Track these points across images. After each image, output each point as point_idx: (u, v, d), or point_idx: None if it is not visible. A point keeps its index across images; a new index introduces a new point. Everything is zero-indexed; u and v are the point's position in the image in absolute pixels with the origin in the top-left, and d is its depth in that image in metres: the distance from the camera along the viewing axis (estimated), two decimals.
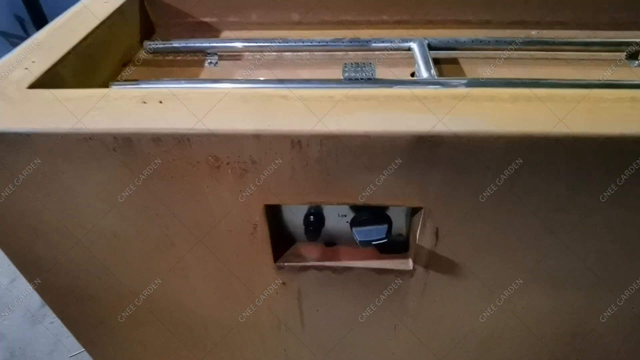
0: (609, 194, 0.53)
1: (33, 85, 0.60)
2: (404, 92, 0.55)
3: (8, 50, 0.72)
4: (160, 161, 0.53)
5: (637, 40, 0.81)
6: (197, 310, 0.75)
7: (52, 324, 1.39)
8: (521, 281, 0.64)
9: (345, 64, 0.73)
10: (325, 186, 0.54)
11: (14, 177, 0.56)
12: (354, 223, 0.61)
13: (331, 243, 0.69)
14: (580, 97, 0.53)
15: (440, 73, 0.79)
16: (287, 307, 0.73)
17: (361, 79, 0.70)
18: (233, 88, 0.69)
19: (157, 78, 0.79)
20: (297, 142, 0.50)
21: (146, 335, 0.81)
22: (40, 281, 0.70)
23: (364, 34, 0.90)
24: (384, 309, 0.71)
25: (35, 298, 1.47)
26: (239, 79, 0.76)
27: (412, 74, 0.79)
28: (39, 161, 0.54)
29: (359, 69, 0.72)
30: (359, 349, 0.80)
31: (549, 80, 0.69)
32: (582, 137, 0.48)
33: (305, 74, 0.81)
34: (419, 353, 0.78)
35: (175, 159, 0.53)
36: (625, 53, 0.82)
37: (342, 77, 0.70)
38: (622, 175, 0.51)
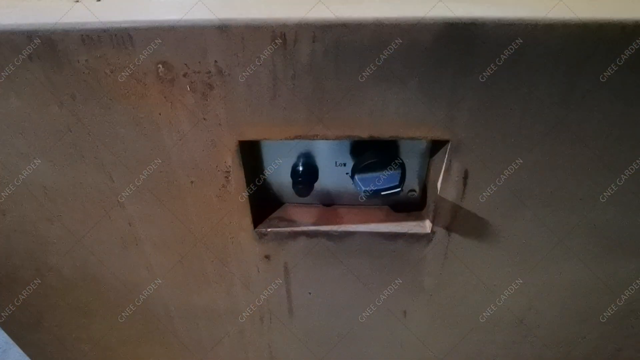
0: None
1: None
2: None
3: None
4: (93, 73, 0.39)
5: None
6: (155, 293, 0.59)
7: None
8: (565, 244, 0.50)
9: None
10: (319, 108, 0.40)
11: None
12: (356, 170, 0.47)
13: (327, 204, 0.55)
14: None
15: None
16: (270, 289, 0.58)
17: None
18: None
19: None
20: (280, 37, 0.36)
21: (90, 328, 0.65)
22: None
23: None
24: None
25: None
26: None
27: None
28: None
29: None
30: (360, 342, 0.65)
31: None
32: None
33: None
34: (434, 343, 0.64)
35: (114, 70, 0.38)
36: None
37: None
38: None
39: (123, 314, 0.62)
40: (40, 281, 0.58)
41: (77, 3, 0.40)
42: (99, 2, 0.40)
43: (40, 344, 0.68)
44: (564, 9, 0.35)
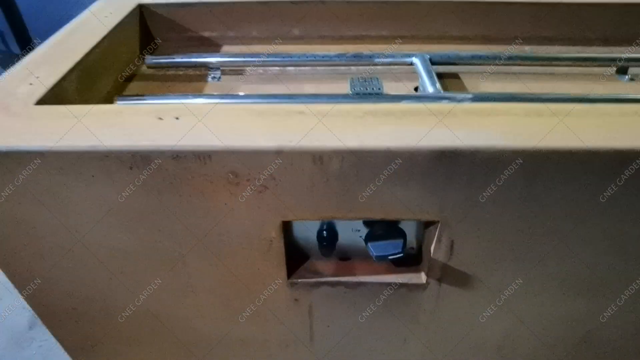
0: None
1: (41, 102, 0.59)
2: (419, 108, 0.56)
3: None
4: (178, 178, 0.53)
5: (625, 56, 0.85)
6: (202, 327, 0.73)
7: (41, 347, 1.34)
8: (533, 288, 0.65)
9: (352, 78, 0.74)
10: (344, 201, 0.55)
11: (20, 192, 0.54)
12: (369, 238, 0.62)
13: (344, 258, 0.69)
14: (585, 111, 0.55)
15: (444, 87, 0.81)
16: (297, 323, 0.72)
17: (369, 93, 0.71)
18: (244, 103, 0.69)
19: (161, 93, 0.78)
20: (318, 158, 0.50)
21: (147, 355, 0.79)
22: (37, 299, 0.68)
23: (364, 48, 0.92)
24: (396, 322, 0.71)
25: (21, 321, 1.41)
26: (249, 95, 0.76)
27: (416, 89, 0.80)
28: (51, 178, 0.53)
29: (366, 83, 0.73)
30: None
31: (551, 95, 0.71)
32: (598, 150, 0.49)
33: (310, 88, 0.81)
34: (430, 353, 0.79)
35: (195, 176, 0.52)
36: (615, 68, 0.85)
37: (349, 92, 0.71)
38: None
39: (173, 346, 0.76)
40: (105, 315, 0.72)
41: (161, 120, 0.54)
42: (177, 120, 0.54)
43: None
44: (554, 137, 0.50)
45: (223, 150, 0.50)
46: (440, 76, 0.84)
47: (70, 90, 0.67)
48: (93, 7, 0.88)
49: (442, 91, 0.72)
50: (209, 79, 0.84)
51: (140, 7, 0.90)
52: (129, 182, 0.53)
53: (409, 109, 0.56)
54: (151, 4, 0.91)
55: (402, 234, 0.61)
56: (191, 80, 0.84)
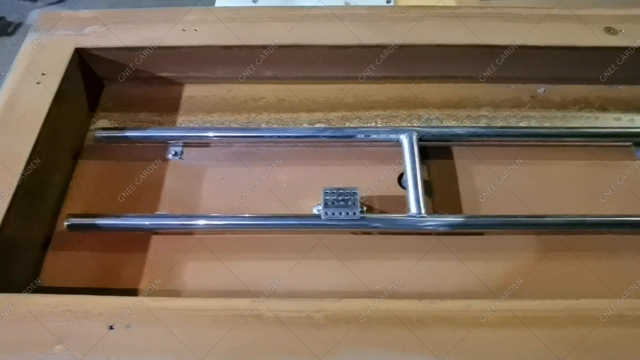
0: None
1: None
2: (386, 315, 0.52)
3: None
4: None
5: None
6: None
7: None
8: None
9: (326, 191, 0.66)
10: None
11: None
12: None
13: None
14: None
15: (431, 175, 0.72)
16: None
17: (343, 220, 0.64)
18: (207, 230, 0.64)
19: (113, 182, 0.71)
20: None
21: None
22: None
23: (344, 93, 0.80)
24: None
25: None
26: (211, 220, 0.67)
27: (400, 176, 0.72)
28: None
29: (341, 200, 0.65)
30: None
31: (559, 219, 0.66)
32: None
33: (281, 173, 0.73)
34: None
35: None
36: (632, 143, 0.75)
37: (320, 210, 0.64)
38: None
39: None
40: None
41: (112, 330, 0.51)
42: (128, 330, 0.51)
43: None
44: None
45: None
46: (430, 153, 0.75)
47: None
48: (22, 57, 0.73)
49: (423, 211, 0.65)
50: (169, 155, 0.74)
51: (79, 52, 0.75)
52: None
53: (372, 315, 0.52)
54: (93, 48, 0.75)
55: None
56: (149, 158, 0.74)
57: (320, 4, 1.32)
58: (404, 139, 0.71)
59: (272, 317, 0.53)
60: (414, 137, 0.71)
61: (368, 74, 0.79)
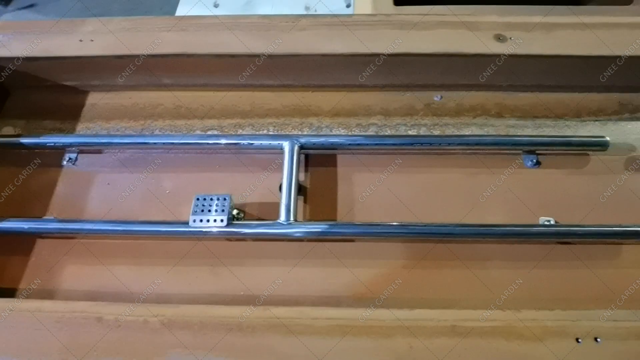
0: None
1: None
2: None
3: None
4: None
5: (529, 140, 0.74)
6: None
7: None
8: None
9: (197, 197, 0.67)
10: None
11: None
12: None
13: None
14: None
15: (310, 182, 0.73)
16: None
17: (210, 227, 0.65)
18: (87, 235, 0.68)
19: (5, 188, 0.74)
20: None
21: None
22: None
23: (240, 100, 0.81)
24: None
25: None
26: (88, 225, 0.69)
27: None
28: None
29: (211, 207, 0.67)
30: None
31: (436, 227, 0.67)
32: None
33: (166, 179, 0.75)
34: None
35: None
36: (520, 152, 0.74)
37: (190, 219, 0.65)
38: None
39: None
40: None
41: None
42: None
43: None
44: None
45: None
46: (316, 161, 0.76)
47: None
48: None
49: (292, 218, 0.66)
50: (64, 162, 0.77)
51: None
52: None
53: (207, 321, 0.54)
54: None
55: None
56: (46, 164, 0.77)
57: (279, 10, 1.36)
58: (285, 146, 0.72)
59: (112, 321, 0.55)
60: (296, 146, 0.72)
61: (262, 82, 0.81)
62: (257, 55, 0.76)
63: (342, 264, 0.67)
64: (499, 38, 0.76)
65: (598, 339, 0.52)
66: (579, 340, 0.52)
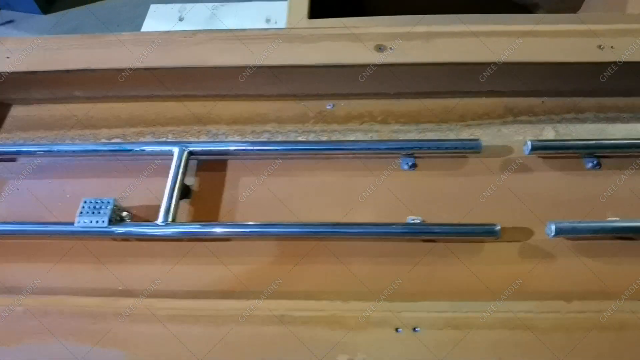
0: None
1: None
2: None
3: None
4: None
5: (410, 144, 0.78)
6: None
7: None
8: None
9: (84, 201, 0.73)
10: None
11: None
12: None
13: None
14: None
15: (199, 185, 0.78)
16: None
17: (92, 227, 0.70)
18: None
19: None
20: None
21: None
22: None
23: (146, 110, 0.87)
24: None
25: None
26: None
27: None
28: None
29: (95, 209, 0.72)
30: None
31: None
32: None
33: (69, 185, 0.80)
34: None
35: None
36: (400, 156, 0.78)
37: (76, 221, 0.71)
38: None
39: None
40: None
41: None
42: None
43: None
44: None
45: None
46: (207, 167, 0.81)
47: None
48: None
49: (169, 219, 0.71)
50: None
51: None
52: None
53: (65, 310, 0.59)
54: None
55: None
56: None
57: (242, 23, 1.44)
58: (175, 152, 0.77)
59: None
60: (185, 151, 0.77)
61: (167, 92, 0.87)
62: (156, 69, 0.82)
63: (220, 261, 0.71)
64: (379, 48, 0.80)
65: (417, 329, 0.55)
66: (399, 329, 0.55)
